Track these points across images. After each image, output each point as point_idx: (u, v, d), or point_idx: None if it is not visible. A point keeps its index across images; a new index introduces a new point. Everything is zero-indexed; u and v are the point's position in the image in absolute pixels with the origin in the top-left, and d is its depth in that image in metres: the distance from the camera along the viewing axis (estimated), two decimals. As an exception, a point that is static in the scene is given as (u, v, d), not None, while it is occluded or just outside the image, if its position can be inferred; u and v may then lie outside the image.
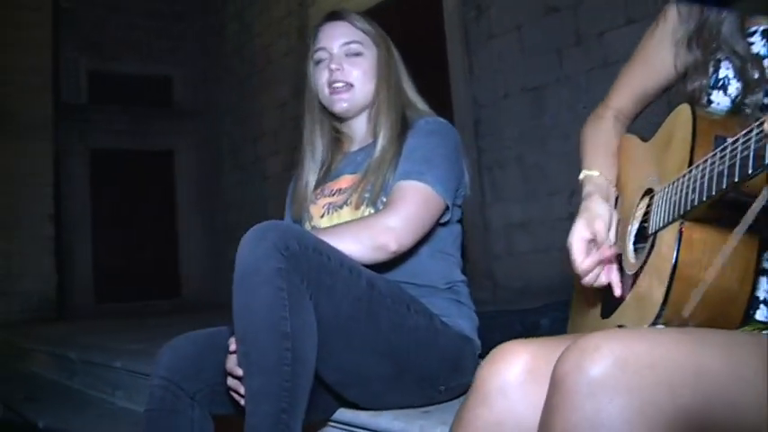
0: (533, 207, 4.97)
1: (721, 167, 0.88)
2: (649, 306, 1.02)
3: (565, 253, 1.20)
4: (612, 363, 0.80)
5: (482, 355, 1.70)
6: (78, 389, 3.65)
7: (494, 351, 0.99)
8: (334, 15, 1.76)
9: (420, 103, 1.77)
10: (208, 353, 1.50)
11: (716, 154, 0.90)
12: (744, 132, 0.83)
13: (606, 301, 1.21)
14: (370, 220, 1.52)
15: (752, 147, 0.81)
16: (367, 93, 1.71)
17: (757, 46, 1.11)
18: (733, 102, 1.12)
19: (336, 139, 1.82)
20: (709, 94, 1.15)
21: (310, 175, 1.77)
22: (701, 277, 0.97)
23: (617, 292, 1.16)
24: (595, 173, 1.30)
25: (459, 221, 1.73)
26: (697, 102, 1.16)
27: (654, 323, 1.00)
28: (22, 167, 7.66)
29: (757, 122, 0.80)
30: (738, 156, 0.84)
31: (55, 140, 8.04)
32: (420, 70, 5.74)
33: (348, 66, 1.70)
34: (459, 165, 1.66)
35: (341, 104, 1.71)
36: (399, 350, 1.45)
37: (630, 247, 1.19)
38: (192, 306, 8.25)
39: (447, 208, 1.60)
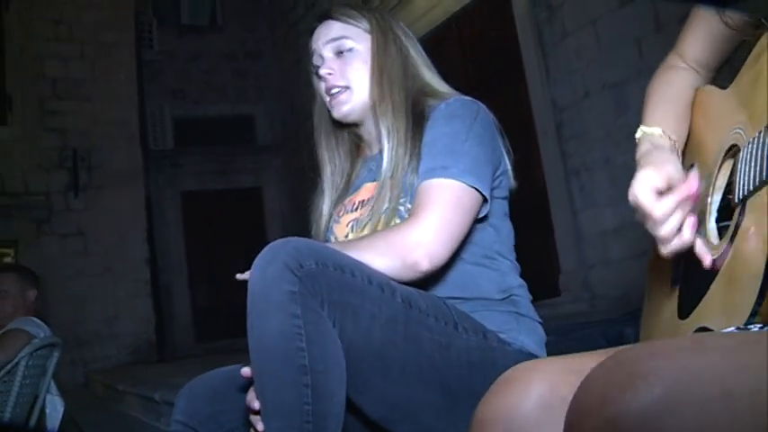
0: (626, 210, 4.63)
1: None
2: (740, 300, 0.77)
3: (634, 216, 0.95)
4: (661, 397, 0.52)
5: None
6: (165, 430, 3.61)
7: (500, 378, 0.77)
8: (322, 16, 1.55)
9: (441, 86, 1.52)
10: (226, 393, 1.35)
11: None
12: None
13: (684, 297, 0.96)
14: (394, 234, 1.28)
15: None
16: (368, 89, 1.48)
17: None
18: None
19: (357, 146, 1.61)
20: None
21: (331, 190, 1.57)
22: None
23: (706, 261, 0.88)
24: (657, 130, 1.04)
25: (507, 216, 1.48)
26: None
27: (749, 323, 0.76)
28: (117, 215, 7.90)
29: None
30: None
31: (146, 187, 8.27)
32: (495, 78, 5.56)
33: (340, 66, 1.49)
34: (493, 147, 1.40)
35: (339, 109, 1.49)
36: (449, 375, 1.25)
37: (713, 225, 0.94)
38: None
39: (485, 200, 1.36)
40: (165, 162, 8.86)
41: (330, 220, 1.55)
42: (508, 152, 1.46)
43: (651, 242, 1.12)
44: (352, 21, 1.50)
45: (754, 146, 0.79)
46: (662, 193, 0.90)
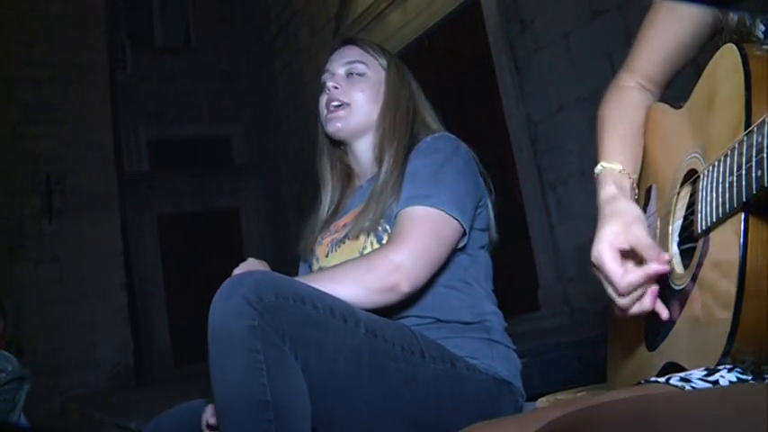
0: (604, 222, 4.64)
1: None
2: (710, 340, 0.74)
3: (593, 271, 0.92)
4: None
5: (529, 399, 1.45)
6: (141, 461, 3.53)
7: None
8: (345, 41, 1.63)
9: (435, 126, 1.57)
10: (192, 428, 1.32)
11: None
12: None
13: (651, 326, 0.93)
14: (374, 258, 1.29)
15: None
16: (366, 115, 1.53)
17: None
18: None
19: (348, 176, 1.64)
20: (765, 22, 0.86)
21: (322, 215, 1.60)
22: None
23: (664, 315, 0.85)
24: (617, 167, 1.02)
25: (484, 248, 1.49)
26: (746, 37, 0.87)
27: (720, 362, 0.72)
28: (92, 239, 7.80)
29: None
30: None
31: (121, 210, 8.18)
32: (470, 93, 5.57)
33: (348, 85, 1.54)
34: (474, 181, 1.44)
35: (334, 124, 1.53)
36: (417, 407, 1.22)
37: (675, 250, 0.91)
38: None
39: (464, 232, 1.38)
40: (140, 185, 8.78)
41: (315, 241, 1.57)
42: (490, 192, 1.49)
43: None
44: (372, 52, 1.58)
45: (714, 175, 0.77)
46: (626, 255, 0.87)
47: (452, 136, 1.49)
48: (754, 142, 0.67)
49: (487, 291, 1.47)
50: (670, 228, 0.92)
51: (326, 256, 1.50)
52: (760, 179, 0.66)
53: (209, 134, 9.55)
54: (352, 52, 1.58)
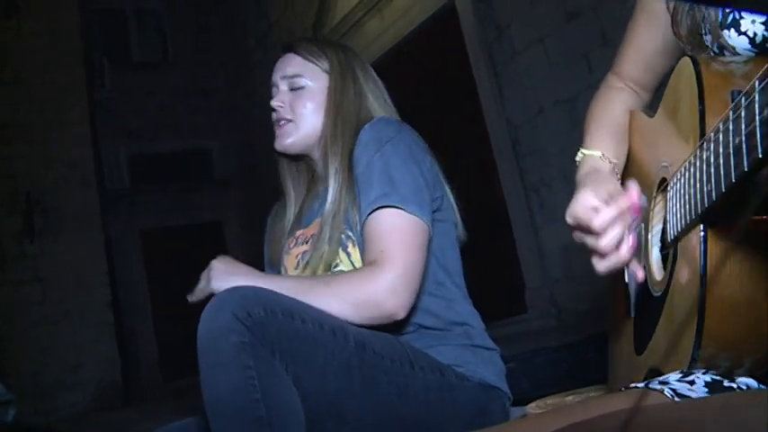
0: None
1: (737, 139, 0.60)
2: (681, 346, 0.76)
3: (573, 233, 0.93)
4: None
5: (519, 403, 1.45)
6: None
7: None
8: (284, 47, 1.60)
9: (385, 111, 1.54)
10: None
11: (727, 120, 0.63)
12: (759, 76, 0.56)
13: (638, 329, 0.95)
14: (366, 282, 1.26)
15: None
16: (315, 127, 1.51)
17: None
18: (753, 43, 0.83)
19: (311, 180, 1.62)
20: (719, 37, 0.87)
21: (288, 216, 1.59)
22: (742, 296, 0.69)
23: (639, 275, 0.88)
24: (597, 153, 1.04)
25: (450, 239, 1.46)
26: (698, 47, 0.89)
27: (691, 366, 0.74)
28: (75, 258, 7.73)
29: None
30: (758, 118, 0.56)
31: (104, 227, 8.11)
32: (449, 99, 5.59)
33: (291, 100, 1.53)
34: (424, 167, 1.40)
35: (281, 142, 1.53)
36: (409, 418, 1.22)
37: (657, 255, 0.92)
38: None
39: (429, 227, 1.35)
40: (122, 201, 8.73)
41: (282, 248, 1.56)
42: (446, 181, 1.46)
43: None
44: (312, 58, 1.53)
45: (677, 187, 0.78)
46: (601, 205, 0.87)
47: (392, 118, 1.47)
48: (704, 158, 0.69)
49: (460, 286, 1.45)
50: (650, 234, 0.93)
51: (295, 268, 1.49)
52: (710, 193, 0.67)
53: (190, 148, 9.51)
54: (292, 63, 1.55)
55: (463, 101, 5.62)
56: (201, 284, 1.32)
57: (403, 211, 1.31)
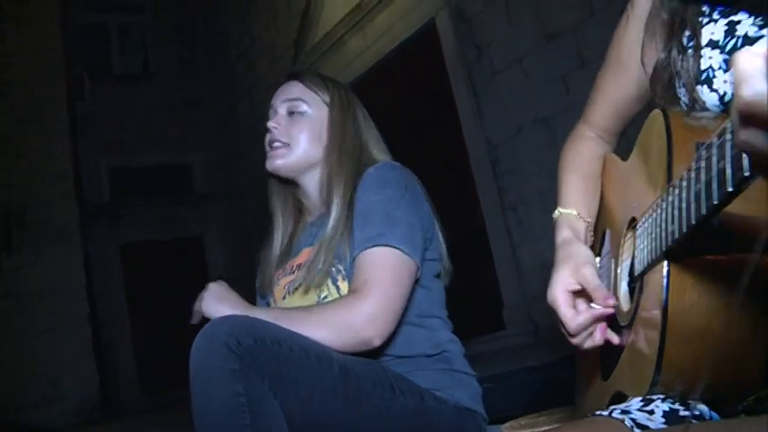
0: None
1: (698, 187, 0.67)
2: (643, 370, 0.83)
3: (547, 306, 1.01)
4: None
5: (495, 422, 1.51)
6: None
7: None
8: (289, 75, 1.65)
9: (382, 156, 1.59)
10: None
11: (690, 169, 0.70)
12: (717, 134, 0.62)
13: (605, 356, 1.01)
14: (347, 310, 1.33)
15: (728, 155, 0.60)
16: (308, 154, 1.55)
17: (744, 26, 0.87)
18: (722, 100, 0.89)
19: (299, 210, 1.67)
20: (693, 91, 0.92)
21: (275, 250, 1.63)
22: (699, 327, 0.76)
23: (615, 341, 0.95)
24: (572, 212, 1.11)
25: (438, 277, 1.54)
26: (671, 101, 0.96)
27: (651, 391, 0.81)
28: (54, 273, 7.69)
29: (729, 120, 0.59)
30: (715, 169, 0.63)
31: (84, 241, 8.08)
32: (429, 118, 5.64)
33: (287, 124, 1.57)
34: (424, 212, 1.48)
35: (272, 162, 1.56)
36: (389, 440, 1.27)
37: (625, 289, 0.99)
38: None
39: (418, 267, 1.43)
40: (102, 215, 8.70)
41: (272, 279, 1.60)
42: (438, 220, 1.52)
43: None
44: (314, 88, 1.58)
45: (645, 226, 0.85)
46: (578, 294, 0.97)
47: (397, 164, 1.51)
48: (670, 202, 0.76)
49: (443, 318, 1.52)
50: (620, 269, 1.00)
51: (283, 298, 1.54)
52: (673, 233, 0.74)
53: (171, 162, 9.50)
54: (294, 89, 1.59)
55: (443, 119, 5.69)
56: (196, 305, 1.37)
57: (395, 250, 1.37)
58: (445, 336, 1.48)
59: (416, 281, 1.45)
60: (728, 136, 0.60)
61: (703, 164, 0.66)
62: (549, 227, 1.22)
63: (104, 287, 8.53)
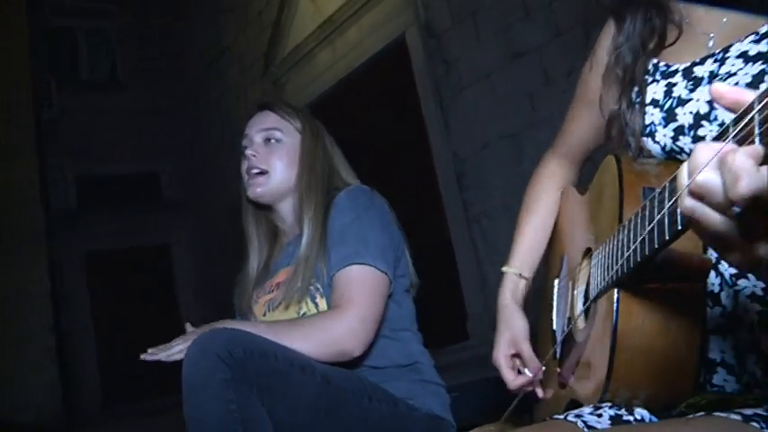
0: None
1: (643, 232, 0.79)
2: (596, 380, 0.95)
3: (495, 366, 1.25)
4: None
5: (463, 429, 1.60)
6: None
7: None
8: (261, 105, 1.76)
9: (353, 181, 1.72)
10: None
11: (638, 214, 0.82)
12: (661, 188, 0.74)
13: (562, 369, 1.14)
14: (329, 323, 1.45)
15: (666, 208, 0.71)
16: (286, 179, 1.67)
17: (679, 88, 1.00)
18: (663, 150, 1.02)
19: (274, 233, 1.76)
20: (639, 142, 1.06)
21: (253, 272, 1.72)
22: (643, 345, 0.89)
23: (540, 395, 1.21)
24: (514, 271, 1.30)
25: (407, 292, 1.66)
26: (627, 149, 1.08)
27: (601, 399, 0.93)
28: (18, 281, 7.62)
29: (671, 177, 0.70)
30: (656, 218, 0.75)
31: (48, 249, 8.02)
32: (398, 131, 5.73)
33: (265, 152, 1.67)
34: (393, 231, 1.60)
35: (255, 189, 1.67)
36: (367, 445, 1.37)
37: (581, 309, 1.10)
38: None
39: (390, 282, 1.55)
40: (68, 222, 8.63)
41: (251, 299, 1.69)
42: (405, 241, 1.64)
43: (536, 313, 1.30)
44: (287, 117, 1.69)
45: (600, 257, 0.97)
46: (515, 355, 1.23)
47: (366, 188, 1.64)
48: (620, 240, 0.88)
49: (414, 331, 1.64)
50: (576, 291, 1.12)
51: (264, 315, 1.64)
52: (623, 266, 0.86)
53: (139, 170, 9.47)
54: (268, 119, 1.70)
55: (411, 132, 5.79)
56: (181, 351, 1.40)
57: (371, 267, 1.49)
58: (416, 348, 1.60)
59: (389, 296, 1.56)
60: (667, 194, 0.71)
61: (647, 213, 0.78)
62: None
63: (69, 295, 8.46)
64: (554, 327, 1.22)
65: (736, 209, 0.58)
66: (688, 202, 0.62)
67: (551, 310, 1.25)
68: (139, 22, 9.79)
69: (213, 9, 8.74)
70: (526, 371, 1.22)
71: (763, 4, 0.60)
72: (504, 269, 1.33)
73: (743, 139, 0.57)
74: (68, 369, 8.04)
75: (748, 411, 0.82)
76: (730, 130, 0.59)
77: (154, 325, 9.13)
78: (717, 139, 0.61)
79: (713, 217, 0.60)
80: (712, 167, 0.59)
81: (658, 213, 0.73)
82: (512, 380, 1.22)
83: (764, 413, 0.81)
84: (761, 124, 0.55)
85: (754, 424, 0.79)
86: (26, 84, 8.45)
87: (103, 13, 9.90)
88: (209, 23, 8.87)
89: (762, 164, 0.55)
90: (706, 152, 0.60)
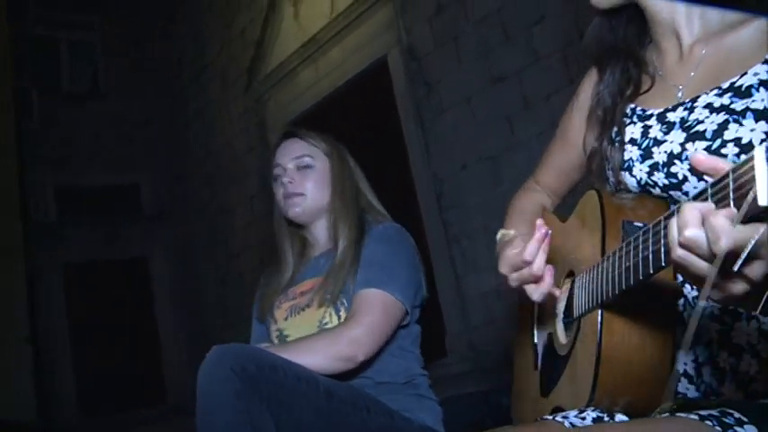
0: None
1: (628, 263, 0.93)
2: (581, 389, 1.06)
3: (504, 283, 1.18)
4: None
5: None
6: None
7: None
8: (288, 134, 1.91)
9: (378, 206, 1.87)
10: None
11: (622, 248, 0.95)
12: (652, 225, 0.86)
13: (544, 379, 1.26)
14: (335, 333, 1.58)
15: (650, 248, 0.85)
16: (320, 200, 1.82)
17: (654, 130, 1.14)
18: (639, 183, 1.15)
19: (303, 249, 1.91)
20: (618, 176, 1.18)
21: (283, 282, 1.86)
22: (624, 358, 1.01)
23: (557, 293, 1.14)
24: (511, 232, 1.34)
25: (418, 322, 1.80)
26: (606, 182, 1.20)
27: (586, 405, 1.05)
28: (-4, 291, 7.58)
29: (664, 215, 0.83)
30: (641, 255, 0.88)
31: (27, 260, 7.99)
32: (379, 151, 5.85)
33: (299, 177, 1.82)
34: (417, 268, 1.76)
35: (294, 210, 1.82)
36: (366, 454, 1.49)
37: (561, 325, 1.21)
38: (181, 410, 8.09)
39: (407, 312, 1.69)
40: (46, 234, 8.60)
41: (273, 305, 1.84)
42: (423, 271, 1.81)
43: (513, 334, 1.41)
44: (313, 142, 1.86)
45: (583, 281, 1.11)
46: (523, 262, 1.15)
47: (400, 226, 1.81)
48: (605, 269, 1.02)
49: (416, 355, 1.79)
50: (556, 308, 1.24)
51: (285, 319, 1.78)
52: (607, 291, 1.00)
53: (119, 182, 9.46)
54: (297, 146, 1.86)
55: (392, 153, 5.90)
56: None
57: (389, 294, 1.64)
58: (417, 369, 1.75)
59: (404, 325, 1.72)
60: (651, 236, 0.85)
61: (632, 248, 0.91)
62: (492, 258, 1.45)
63: (46, 307, 8.43)
64: (535, 340, 1.34)
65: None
66: (679, 252, 0.76)
67: (532, 324, 1.35)
68: (122, 34, 9.82)
69: (197, 23, 8.82)
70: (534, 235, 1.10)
71: (762, 3, 0.71)
72: (499, 234, 1.35)
73: (719, 201, 0.72)
74: (45, 380, 8.00)
75: (704, 413, 0.95)
76: (709, 191, 0.73)
77: (131, 337, 9.18)
78: (696, 198, 0.75)
79: (699, 264, 0.74)
80: (696, 225, 0.73)
81: (643, 251, 0.86)
82: (518, 251, 1.12)
83: (717, 414, 0.94)
84: (734, 191, 0.69)
85: (708, 422, 0.92)
86: (6, 93, 8.45)
87: (86, 24, 9.92)
88: (193, 37, 8.94)
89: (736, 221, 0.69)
90: (692, 212, 0.73)
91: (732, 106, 1.02)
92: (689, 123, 1.08)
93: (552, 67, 4.67)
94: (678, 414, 0.97)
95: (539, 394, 1.26)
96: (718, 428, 0.91)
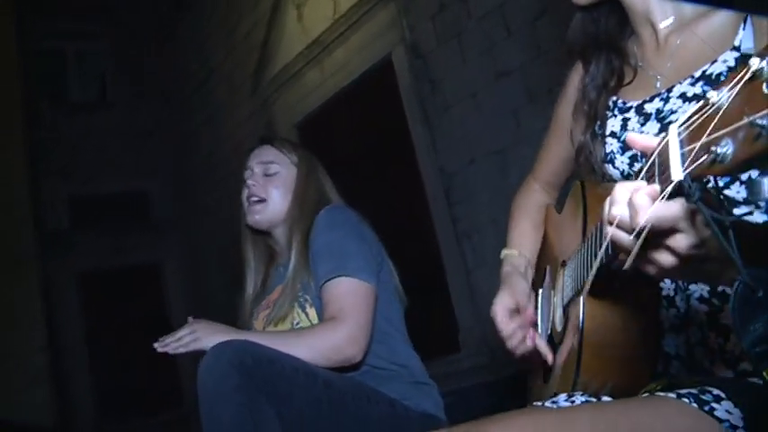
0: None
1: (595, 250, 0.96)
2: (569, 373, 1.08)
3: (491, 321, 1.30)
4: None
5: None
6: None
7: None
8: (262, 140, 1.94)
9: (335, 199, 1.88)
10: None
11: (590, 236, 0.99)
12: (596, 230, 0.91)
13: (546, 366, 1.28)
14: (331, 333, 1.59)
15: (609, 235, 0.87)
16: (281, 208, 1.84)
17: (632, 122, 1.17)
18: (622, 174, 1.18)
19: (271, 255, 1.93)
20: (602, 168, 1.22)
21: (251, 290, 1.89)
22: (606, 341, 1.02)
23: (549, 359, 1.23)
24: (515, 252, 1.40)
25: (393, 296, 1.80)
26: (593, 173, 1.23)
27: (573, 389, 1.06)
28: (10, 301, 7.65)
29: None
30: (603, 241, 0.89)
31: (42, 270, 8.06)
32: (386, 149, 5.88)
33: (264, 182, 1.85)
34: (370, 240, 1.76)
35: (253, 217, 1.84)
36: (367, 445, 1.49)
37: (560, 314, 1.23)
38: (197, 416, 8.11)
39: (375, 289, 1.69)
40: (60, 243, 8.68)
41: (251, 315, 1.86)
42: (375, 238, 1.79)
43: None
44: (284, 151, 1.88)
45: (568, 270, 1.13)
46: (514, 311, 1.28)
47: (339, 205, 1.81)
48: (581, 255, 1.04)
49: (401, 332, 1.79)
50: (556, 298, 1.25)
51: (263, 329, 1.80)
52: (583, 277, 1.02)
53: (129, 189, 9.53)
54: (268, 152, 1.88)
55: (399, 150, 5.92)
56: (188, 343, 1.56)
57: (356, 279, 1.64)
58: (405, 351, 1.76)
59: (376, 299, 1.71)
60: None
61: (598, 233, 0.94)
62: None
63: (62, 315, 8.50)
64: (539, 331, 1.35)
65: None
66: (609, 229, 0.79)
67: (537, 317, 1.38)
68: (128, 44, 9.89)
69: (201, 30, 8.87)
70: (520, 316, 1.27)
71: (760, 3, 0.72)
72: (502, 254, 1.42)
73: (649, 179, 0.74)
74: (61, 389, 8.07)
75: (684, 391, 0.96)
76: (643, 170, 0.76)
77: (146, 344, 9.17)
78: (637, 176, 0.78)
79: (627, 240, 0.77)
80: (623, 203, 0.76)
81: (603, 234, 0.88)
82: (505, 324, 1.27)
83: (696, 392, 0.95)
84: (659, 168, 0.72)
85: (685, 399, 0.93)
86: (17, 104, 8.52)
87: (93, 34, 10.00)
88: (198, 44, 8.99)
89: (662, 197, 0.71)
90: (621, 191, 0.77)
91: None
92: (663, 114, 1.12)
93: (554, 60, 4.68)
94: (657, 393, 0.98)
95: (542, 381, 1.29)
96: (694, 405, 0.92)
